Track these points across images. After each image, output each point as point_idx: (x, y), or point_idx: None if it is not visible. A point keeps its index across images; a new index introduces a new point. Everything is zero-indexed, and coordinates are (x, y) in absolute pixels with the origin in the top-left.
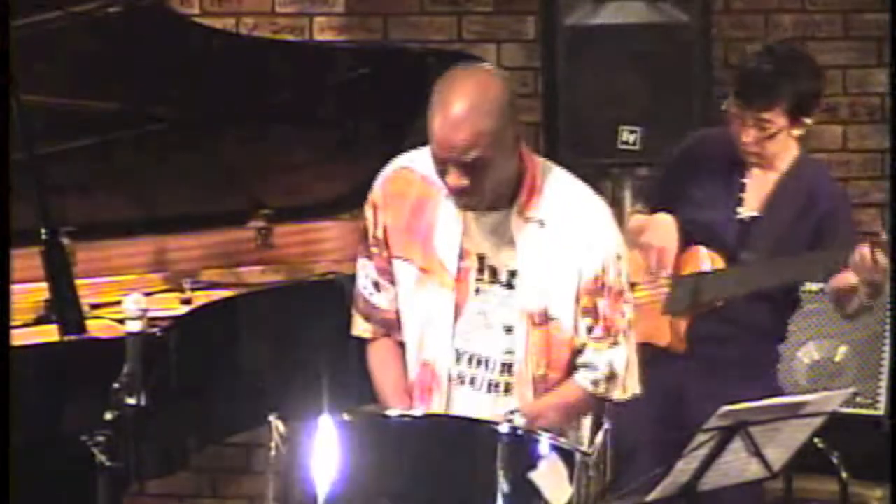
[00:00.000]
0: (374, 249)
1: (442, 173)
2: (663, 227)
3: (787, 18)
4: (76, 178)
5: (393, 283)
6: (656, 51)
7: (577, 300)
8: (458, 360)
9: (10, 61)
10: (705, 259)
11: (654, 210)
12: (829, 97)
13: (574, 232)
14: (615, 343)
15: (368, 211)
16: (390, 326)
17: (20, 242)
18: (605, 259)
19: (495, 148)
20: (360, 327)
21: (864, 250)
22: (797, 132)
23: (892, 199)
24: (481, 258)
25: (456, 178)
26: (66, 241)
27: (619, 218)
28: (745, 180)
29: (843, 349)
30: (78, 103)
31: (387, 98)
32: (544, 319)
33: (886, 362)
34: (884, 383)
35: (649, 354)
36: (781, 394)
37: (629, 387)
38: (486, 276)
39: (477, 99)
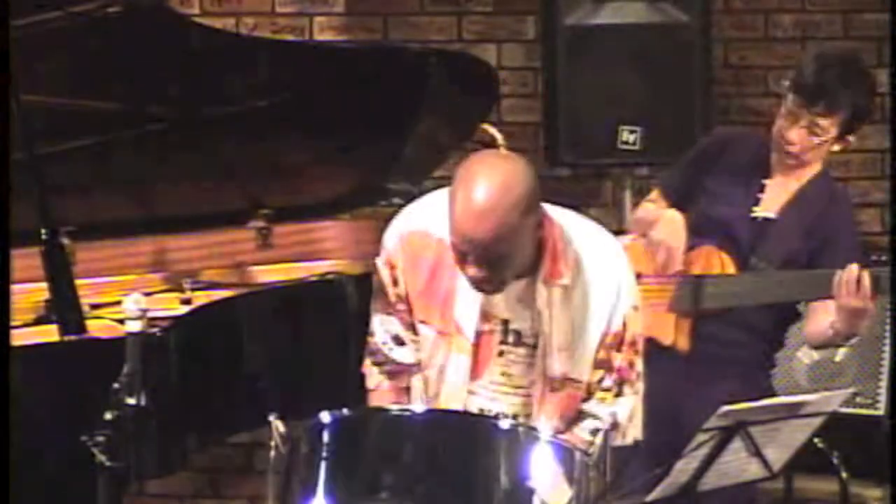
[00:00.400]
0: (400, 306)
1: (460, 263)
2: (672, 225)
3: (787, 18)
4: (76, 178)
5: (416, 334)
6: (656, 51)
7: (595, 355)
8: None
9: (10, 61)
10: (715, 261)
11: (670, 202)
12: None
13: (598, 293)
14: (619, 394)
15: (384, 269)
16: (400, 377)
17: (20, 242)
18: (626, 315)
19: (517, 239)
20: (374, 381)
21: (850, 272)
22: (837, 147)
23: (892, 199)
24: (505, 322)
25: (475, 271)
26: (66, 241)
27: (619, 220)
28: (765, 181)
29: (843, 349)
30: (78, 103)
31: (387, 98)
32: (563, 384)
33: (886, 362)
34: (884, 383)
35: (652, 351)
36: (773, 392)
37: (629, 434)
38: (511, 339)
39: (500, 192)
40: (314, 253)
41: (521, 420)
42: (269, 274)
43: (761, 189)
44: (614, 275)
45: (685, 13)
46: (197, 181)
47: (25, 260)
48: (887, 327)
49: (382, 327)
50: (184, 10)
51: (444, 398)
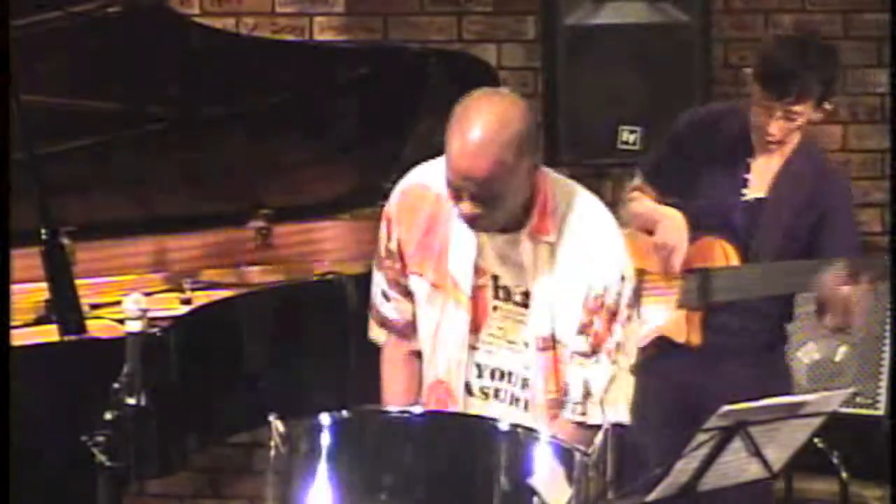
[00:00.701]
0: (387, 262)
1: (455, 199)
2: (674, 225)
3: (787, 18)
4: (76, 178)
5: (404, 294)
6: (656, 51)
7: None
8: (480, 374)
9: (10, 61)
10: (718, 251)
11: (657, 189)
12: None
13: (582, 254)
14: (597, 361)
15: (382, 223)
16: (403, 334)
17: (20, 242)
18: (609, 280)
19: (511, 179)
20: (374, 332)
21: (834, 271)
22: (817, 117)
23: (892, 199)
24: (495, 278)
25: (469, 208)
26: (66, 241)
27: (619, 220)
28: (749, 160)
29: (843, 349)
30: (78, 103)
31: (387, 98)
32: (550, 343)
33: (886, 362)
34: (884, 383)
35: (661, 348)
36: (789, 371)
37: (608, 412)
38: (501, 294)
39: (496, 129)
40: (314, 253)
41: (518, 378)
42: (269, 274)
43: (747, 169)
44: (602, 240)
45: (685, 13)
46: (197, 181)
47: (25, 260)
48: (887, 327)
49: (374, 281)
50: (184, 10)
51: (442, 354)
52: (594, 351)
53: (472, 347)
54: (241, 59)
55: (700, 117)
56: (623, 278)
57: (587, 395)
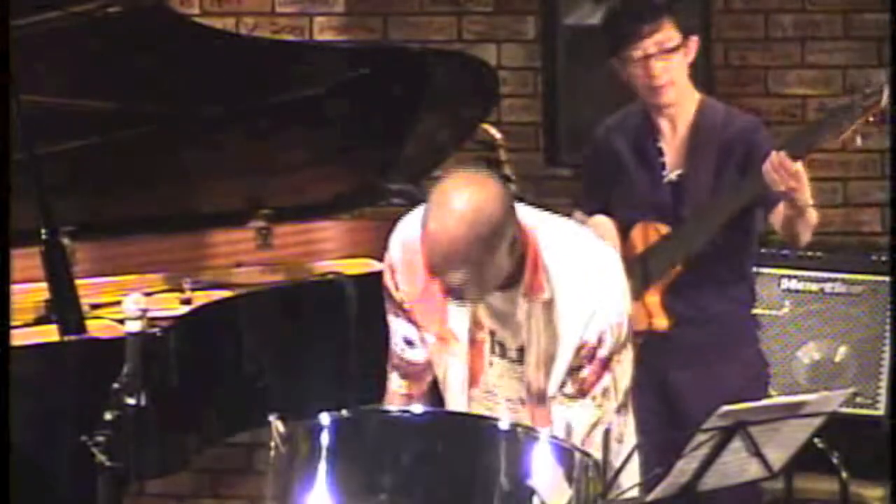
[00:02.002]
0: (402, 310)
1: (431, 277)
2: (601, 229)
3: (787, 18)
4: (76, 178)
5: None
6: None
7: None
8: None
9: (10, 61)
10: (651, 232)
11: (592, 213)
12: (829, 97)
13: (578, 308)
14: (581, 405)
15: (387, 272)
16: (418, 378)
17: (20, 242)
18: (603, 330)
19: (486, 266)
20: (396, 384)
21: (770, 161)
22: (691, 56)
23: (892, 199)
24: (492, 333)
25: (447, 291)
26: (66, 241)
27: None
28: (659, 144)
29: (843, 349)
30: (78, 103)
31: (387, 98)
32: (542, 400)
33: (886, 362)
34: (884, 383)
35: (637, 347)
36: (765, 360)
37: (591, 449)
38: (497, 350)
39: (467, 228)
40: (314, 253)
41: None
42: (268, 274)
43: (660, 153)
44: (594, 289)
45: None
46: (197, 181)
47: (25, 260)
48: (887, 327)
49: (393, 328)
50: (184, 10)
51: (449, 404)
52: (580, 394)
53: (473, 400)
54: (241, 59)
55: (602, 134)
56: (619, 324)
57: (568, 435)
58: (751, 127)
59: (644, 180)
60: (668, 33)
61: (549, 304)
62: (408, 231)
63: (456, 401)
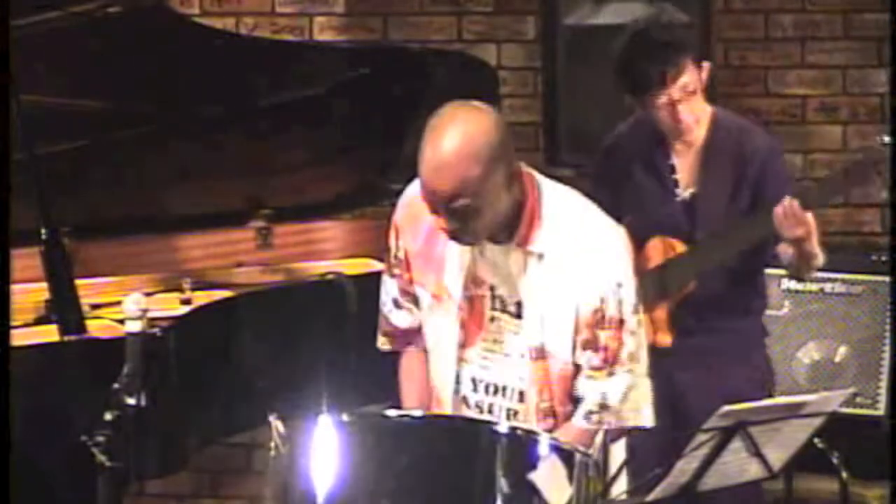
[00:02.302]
0: (396, 270)
1: (432, 213)
2: None
3: (787, 18)
4: (76, 178)
5: (414, 302)
6: None
7: (577, 333)
8: (475, 388)
9: (10, 61)
10: (667, 248)
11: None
12: (829, 97)
13: (572, 265)
14: (611, 374)
15: (391, 231)
16: (411, 340)
17: (20, 242)
18: (604, 290)
19: (483, 193)
20: (380, 341)
21: (782, 206)
22: (704, 77)
23: (892, 199)
24: (492, 287)
25: (444, 223)
26: (66, 241)
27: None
28: (672, 161)
29: (843, 349)
30: (78, 103)
31: (387, 98)
32: (541, 354)
33: (886, 362)
34: (884, 383)
35: None
36: (770, 367)
37: (629, 417)
38: (498, 304)
39: (460, 145)
40: (314, 253)
41: (513, 392)
42: (268, 274)
43: (672, 170)
44: (592, 249)
45: (685, 13)
46: (197, 181)
47: (25, 260)
48: (887, 327)
49: (384, 288)
50: (184, 10)
51: (435, 367)
52: (608, 364)
53: (466, 361)
54: (241, 59)
55: (612, 142)
56: (620, 285)
57: (604, 406)
58: (767, 150)
59: (657, 196)
60: (691, 75)
61: (541, 259)
62: (411, 190)
63: (446, 362)
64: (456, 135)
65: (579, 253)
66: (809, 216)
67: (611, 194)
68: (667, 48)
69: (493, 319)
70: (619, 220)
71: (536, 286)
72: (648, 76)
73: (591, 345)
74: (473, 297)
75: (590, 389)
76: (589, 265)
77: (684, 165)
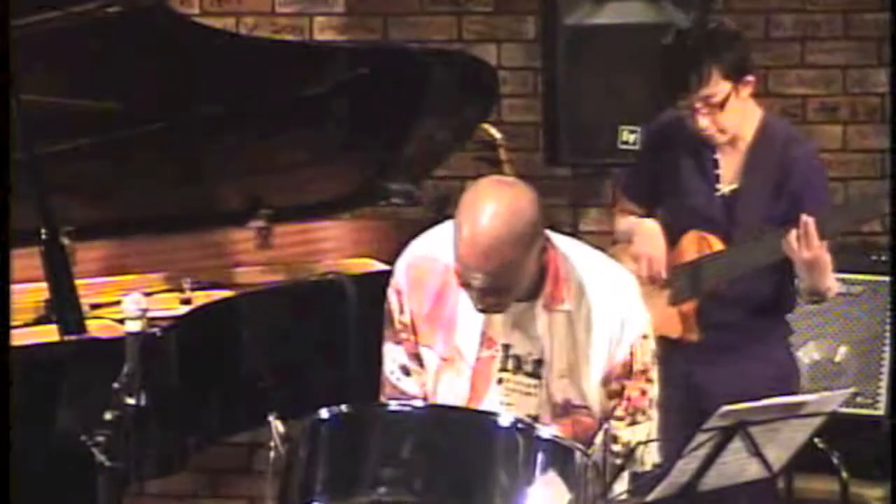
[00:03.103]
0: (403, 335)
1: (464, 286)
2: (649, 235)
3: (787, 18)
4: (76, 178)
5: (422, 366)
6: (656, 51)
7: (606, 385)
8: None
9: (10, 61)
10: (703, 244)
11: (640, 203)
12: (829, 97)
13: (601, 320)
14: (633, 423)
15: (392, 296)
16: None
17: (20, 242)
18: (633, 344)
19: (521, 270)
20: None
21: (791, 234)
22: (746, 92)
23: (892, 199)
24: (506, 347)
25: (479, 299)
26: (66, 241)
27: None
28: (716, 156)
29: (843, 349)
30: (78, 103)
31: (387, 98)
32: (566, 411)
33: (886, 362)
34: (884, 383)
35: (663, 348)
36: (795, 366)
37: (647, 461)
38: (510, 364)
39: (506, 228)
40: (314, 253)
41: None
42: (269, 274)
43: (716, 165)
44: (618, 302)
45: (685, 13)
46: (197, 181)
47: (25, 260)
48: (887, 327)
49: (390, 356)
50: (184, 10)
51: None
52: (630, 415)
53: None
54: (241, 59)
55: (663, 124)
56: (645, 336)
57: (630, 455)
58: (811, 162)
59: (697, 189)
60: (716, 87)
61: (570, 316)
62: (415, 252)
63: None
64: (498, 216)
65: (608, 307)
66: (822, 245)
67: (651, 174)
68: (696, 55)
69: (500, 381)
70: (651, 207)
71: (564, 342)
72: (673, 77)
73: (616, 395)
74: (481, 359)
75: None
76: (620, 318)
77: (729, 162)
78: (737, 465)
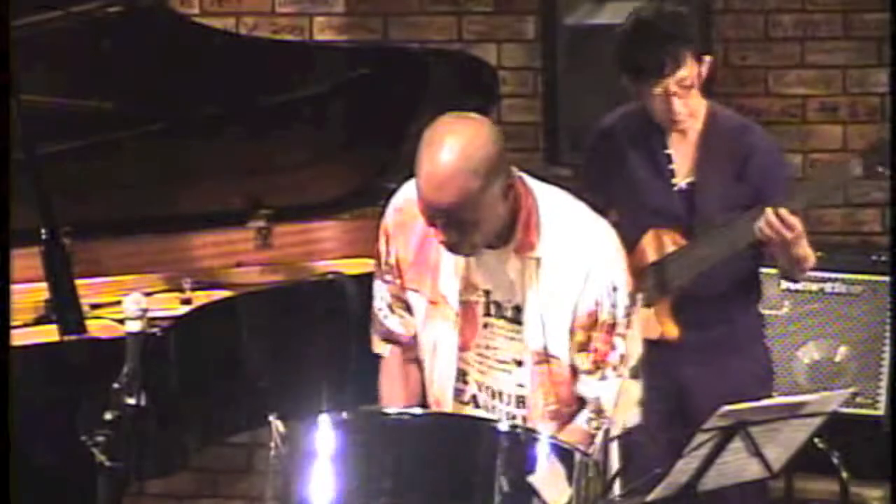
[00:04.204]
0: (388, 276)
1: (430, 225)
2: None
3: (787, 18)
4: (76, 178)
5: (407, 309)
6: None
7: (572, 335)
8: (479, 390)
9: (10, 61)
10: (666, 240)
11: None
12: (829, 97)
13: (569, 269)
14: (602, 377)
15: (381, 237)
16: (407, 348)
17: (20, 242)
18: (599, 294)
19: (481, 205)
20: (378, 346)
21: (768, 216)
22: (704, 71)
23: (892, 199)
24: (487, 293)
25: (442, 234)
26: (66, 241)
27: None
28: (668, 151)
29: (843, 349)
30: (78, 103)
31: (387, 98)
32: (544, 357)
33: (886, 362)
34: (884, 383)
35: (646, 351)
36: (769, 358)
37: (618, 419)
38: (493, 310)
39: (460, 158)
40: (314, 253)
41: (510, 398)
42: (268, 274)
43: (669, 159)
44: (586, 252)
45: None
46: (197, 181)
47: (25, 260)
48: (887, 327)
49: (378, 294)
50: (184, 10)
51: (436, 372)
52: (598, 368)
53: (463, 364)
54: (241, 59)
55: (605, 127)
56: (615, 289)
57: (599, 411)
58: (768, 149)
59: (652, 186)
60: (690, 69)
61: (539, 263)
62: (402, 195)
63: (446, 366)
64: (454, 148)
65: (576, 257)
66: (797, 221)
67: (601, 180)
68: (668, 39)
69: (486, 325)
70: (606, 209)
71: (536, 290)
72: (646, 65)
73: (584, 347)
74: (467, 303)
75: (585, 392)
76: (586, 269)
77: (681, 155)
78: (737, 465)
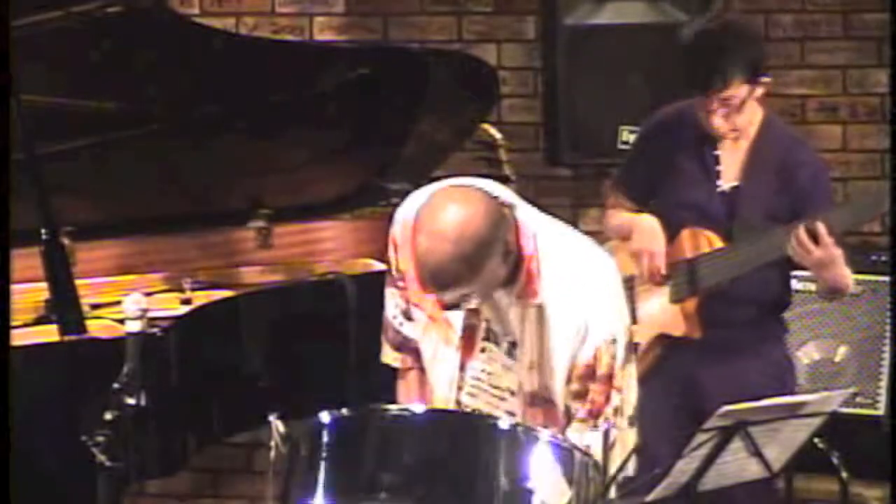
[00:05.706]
0: (400, 283)
1: (426, 293)
2: (648, 231)
3: (787, 18)
4: (76, 178)
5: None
6: (656, 51)
7: (568, 384)
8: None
9: (10, 61)
10: (702, 240)
11: (634, 198)
12: (829, 97)
13: (569, 319)
14: (595, 427)
15: (390, 245)
16: (418, 356)
17: (20, 242)
18: (599, 346)
19: (478, 280)
20: (390, 356)
21: (798, 232)
22: (759, 92)
23: (892, 199)
24: (487, 320)
25: (441, 304)
26: (66, 241)
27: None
28: (717, 152)
29: (843, 349)
30: (78, 103)
31: (387, 98)
32: (534, 401)
33: (886, 362)
34: (884, 383)
35: (665, 345)
36: (791, 363)
37: (609, 468)
38: (491, 337)
39: (454, 250)
40: (314, 253)
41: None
42: (268, 274)
43: (717, 161)
44: (587, 303)
45: (685, 13)
46: (197, 181)
47: (25, 260)
48: (887, 327)
49: (392, 301)
50: (184, 10)
51: (436, 388)
52: (592, 416)
53: (458, 387)
54: (241, 59)
55: (662, 119)
56: (614, 341)
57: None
58: (817, 166)
59: (697, 184)
60: (737, 89)
61: (540, 311)
62: (406, 210)
63: (443, 389)
64: (447, 236)
65: (576, 307)
66: (831, 242)
67: (648, 170)
68: (720, 57)
69: (483, 350)
70: (648, 199)
71: (534, 335)
72: (694, 77)
73: (580, 397)
74: (467, 326)
75: (577, 440)
76: (586, 319)
77: (730, 158)
78: (737, 465)
